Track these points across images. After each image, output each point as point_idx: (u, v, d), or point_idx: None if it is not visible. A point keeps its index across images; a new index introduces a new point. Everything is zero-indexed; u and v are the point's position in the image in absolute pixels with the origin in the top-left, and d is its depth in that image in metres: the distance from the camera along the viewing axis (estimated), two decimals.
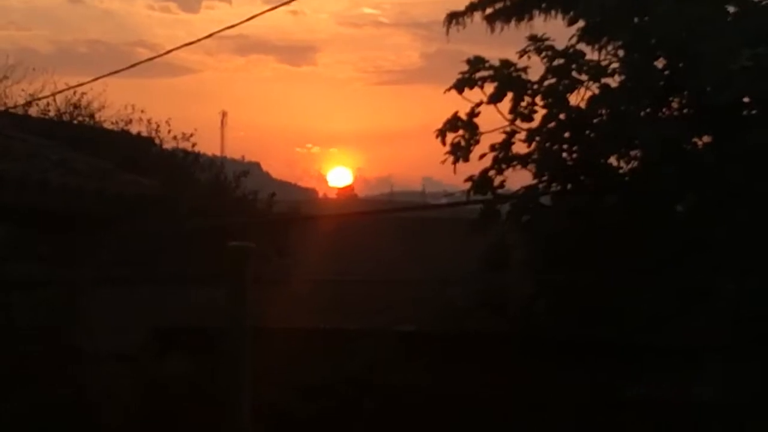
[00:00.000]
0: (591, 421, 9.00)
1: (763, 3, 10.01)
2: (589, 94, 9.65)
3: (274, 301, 9.60)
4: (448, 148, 9.94)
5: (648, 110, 9.48)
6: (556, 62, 9.78)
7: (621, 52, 9.70)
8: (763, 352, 8.34)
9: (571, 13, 10.35)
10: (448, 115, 9.99)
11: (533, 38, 9.95)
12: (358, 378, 9.61)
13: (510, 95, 9.73)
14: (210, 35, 14.76)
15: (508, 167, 9.91)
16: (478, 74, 9.79)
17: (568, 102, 9.66)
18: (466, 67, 9.86)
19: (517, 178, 10.07)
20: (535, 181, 9.82)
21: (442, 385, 9.44)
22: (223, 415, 7.34)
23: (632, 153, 9.55)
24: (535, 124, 9.74)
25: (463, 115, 9.92)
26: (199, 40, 14.15)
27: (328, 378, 9.65)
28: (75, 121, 16.25)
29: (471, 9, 12.66)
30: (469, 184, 9.97)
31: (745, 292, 8.33)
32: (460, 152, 9.90)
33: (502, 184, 9.95)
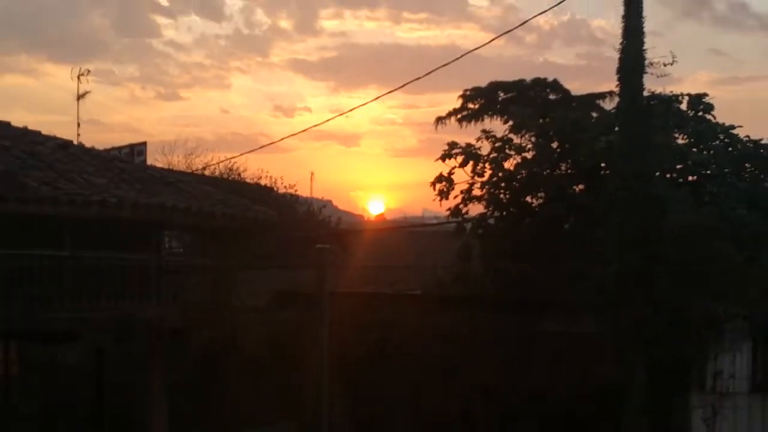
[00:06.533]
0: (519, 345, 10.56)
1: (612, 110, 11.63)
2: (515, 161, 11.32)
3: (340, 277, 11.08)
4: (437, 192, 11.81)
5: (548, 171, 11.14)
6: (497, 144, 11.60)
7: (533, 138, 11.48)
8: (620, 308, 9.07)
9: (506, 117, 12.61)
10: (436, 174, 11.68)
11: (484, 131, 11.82)
12: (387, 319, 11.39)
13: (471, 163, 11.52)
14: (304, 130, 21.47)
15: (470, 203, 11.84)
16: (453, 151, 11.67)
17: (504, 167, 11.36)
18: (446, 147, 11.68)
19: (475, 209, 11.89)
20: (485, 211, 11.62)
21: (433, 324, 11.01)
22: (312, 342, 8.63)
23: (539, 194, 11.31)
24: (485, 179, 11.53)
25: (445, 174, 11.69)
26: (298, 133, 19.91)
27: (370, 320, 11.28)
28: (230, 178, 19.44)
29: (449, 115, 16.62)
30: (448, 212, 11.94)
31: (606, 274, 9.53)
32: (443, 195, 11.81)
33: (467, 212, 11.80)
